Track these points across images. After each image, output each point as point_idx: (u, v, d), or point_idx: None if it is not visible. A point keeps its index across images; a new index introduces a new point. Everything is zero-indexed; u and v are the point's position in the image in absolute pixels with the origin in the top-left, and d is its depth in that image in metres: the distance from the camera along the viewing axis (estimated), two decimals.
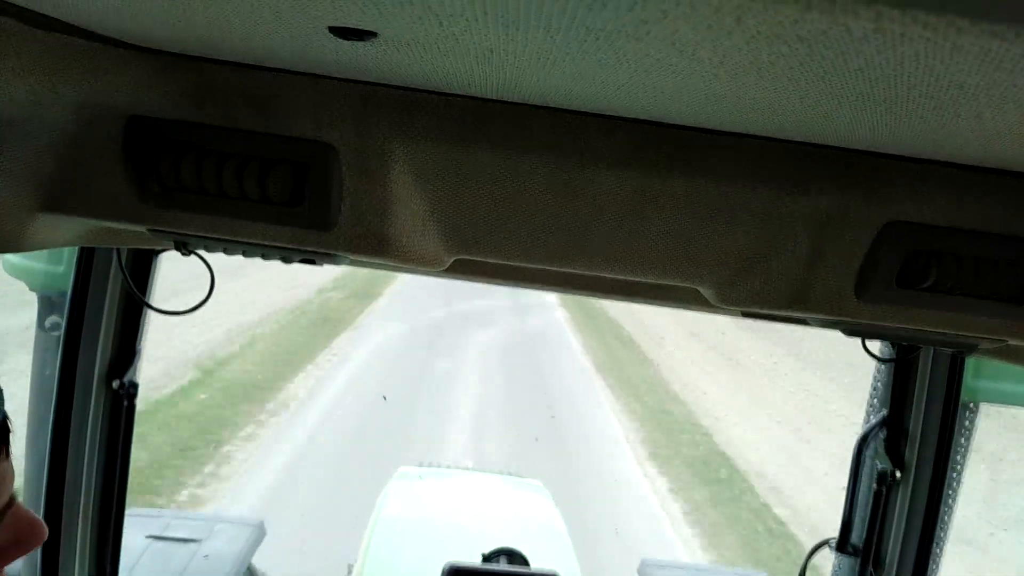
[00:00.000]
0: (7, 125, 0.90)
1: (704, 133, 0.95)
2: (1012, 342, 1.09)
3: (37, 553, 1.78)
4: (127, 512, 2.01)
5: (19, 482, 1.95)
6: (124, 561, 2.08)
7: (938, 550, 2.00)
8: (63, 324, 1.71)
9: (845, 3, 0.42)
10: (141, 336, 1.86)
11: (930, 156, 0.92)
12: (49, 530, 1.76)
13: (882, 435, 2.01)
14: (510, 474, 4.97)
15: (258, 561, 3.64)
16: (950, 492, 2.00)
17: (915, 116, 0.69)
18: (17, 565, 1.90)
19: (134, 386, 1.86)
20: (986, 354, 1.30)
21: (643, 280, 1.08)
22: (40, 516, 1.74)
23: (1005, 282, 0.98)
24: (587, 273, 1.09)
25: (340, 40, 0.70)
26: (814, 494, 9.98)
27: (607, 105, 0.89)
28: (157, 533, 3.27)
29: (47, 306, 1.81)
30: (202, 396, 10.66)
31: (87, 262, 1.68)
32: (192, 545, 3.26)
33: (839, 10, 0.43)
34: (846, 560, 2.15)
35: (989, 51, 0.46)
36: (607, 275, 1.08)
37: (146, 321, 1.86)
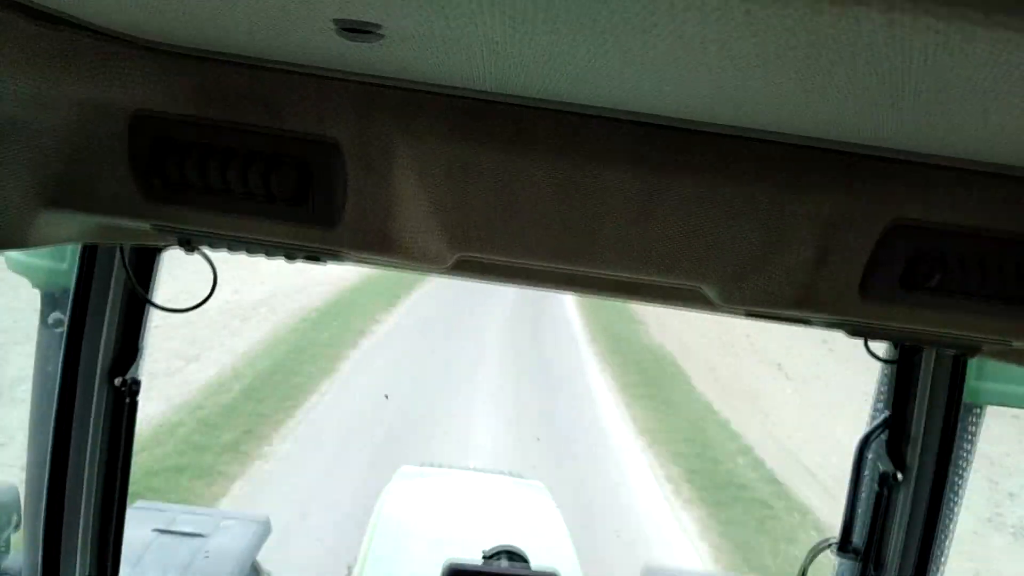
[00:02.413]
0: (11, 121, 0.90)
1: (709, 132, 0.95)
2: (1016, 344, 1.09)
3: (38, 548, 1.78)
4: (134, 505, 2.01)
5: (21, 478, 1.96)
6: (130, 554, 2.08)
7: (940, 554, 1.99)
8: (66, 321, 1.71)
9: None
10: (144, 334, 1.86)
11: (935, 156, 0.92)
12: (50, 525, 1.76)
13: (884, 436, 2.01)
14: (511, 474, 4.96)
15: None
16: (953, 495, 2.00)
17: (921, 113, 0.69)
18: (18, 561, 1.91)
19: (136, 383, 1.86)
20: (989, 355, 1.30)
21: (647, 279, 1.08)
22: (42, 511, 1.75)
23: (1009, 283, 0.98)
24: (591, 272, 1.08)
25: (345, 36, 0.70)
26: None
27: (612, 103, 0.89)
28: (163, 527, 3.27)
29: (50, 303, 1.81)
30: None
31: (90, 259, 1.68)
32: (198, 540, 3.27)
33: (850, 2, 0.43)
34: (847, 562, 2.14)
35: (999, 49, 0.46)
36: (611, 274, 1.08)
37: (148, 319, 1.86)
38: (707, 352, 16.24)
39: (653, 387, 13.51)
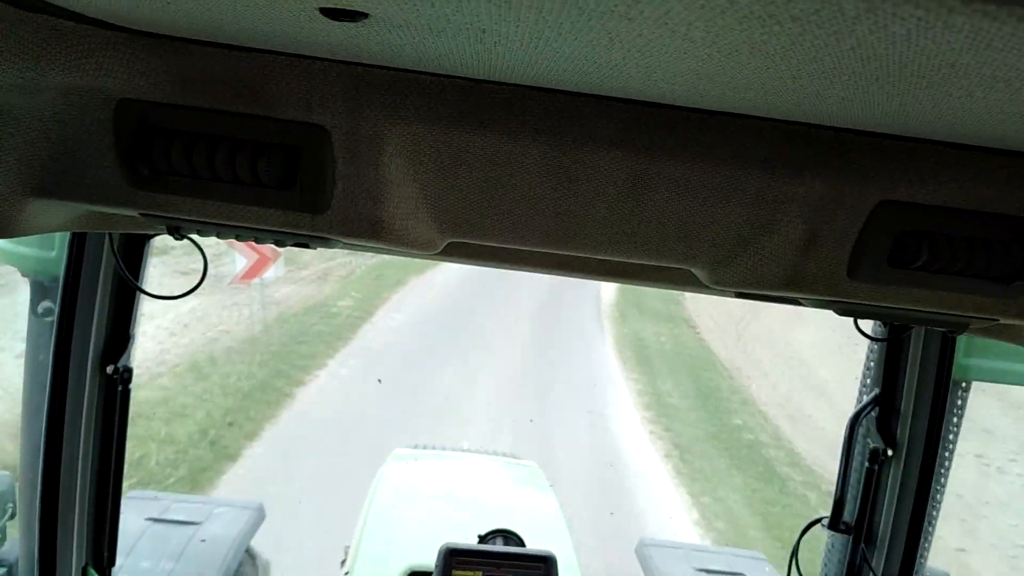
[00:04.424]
0: None
1: (698, 113, 0.95)
2: (1003, 321, 1.10)
3: (35, 537, 1.79)
4: (127, 495, 2.01)
5: (15, 468, 1.96)
6: (123, 544, 2.09)
7: (929, 527, 2.02)
8: (56, 310, 1.70)
9: None
10: (134, 321, 1.86)
11: (922, 135, 0.92)
12: (45, 515, 1.77)
13: (874, 414, 2.03)
14: (505, 455, 4.99)
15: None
16: (941, 470, 2.02)
17: (907, 95, 0.69)
18: (14, 550, 1.91)
19: (128, 371, 1.86)
20: (977, 333, 1.31)
21: (637, 261, 1.08)
22: (37, 501, 1.75)
23: (996, 261, 0.99)
24: (581, 255, 1.09)
25: (331, 21, 0.69)
26: None
27: (600, 86, 0.88)
28: (156, 516, 3.28)
29: (39, 291, 1.81)
30: None
31: (79, 247, 1.67)
32: (191, 528, 3.28)
33: None
34: (838, 538, 2.17)
35: (980, 30, 0.46)
36: (601, 257, 1.08)
37: (139, 306, 1.86)
38: None
39: None
